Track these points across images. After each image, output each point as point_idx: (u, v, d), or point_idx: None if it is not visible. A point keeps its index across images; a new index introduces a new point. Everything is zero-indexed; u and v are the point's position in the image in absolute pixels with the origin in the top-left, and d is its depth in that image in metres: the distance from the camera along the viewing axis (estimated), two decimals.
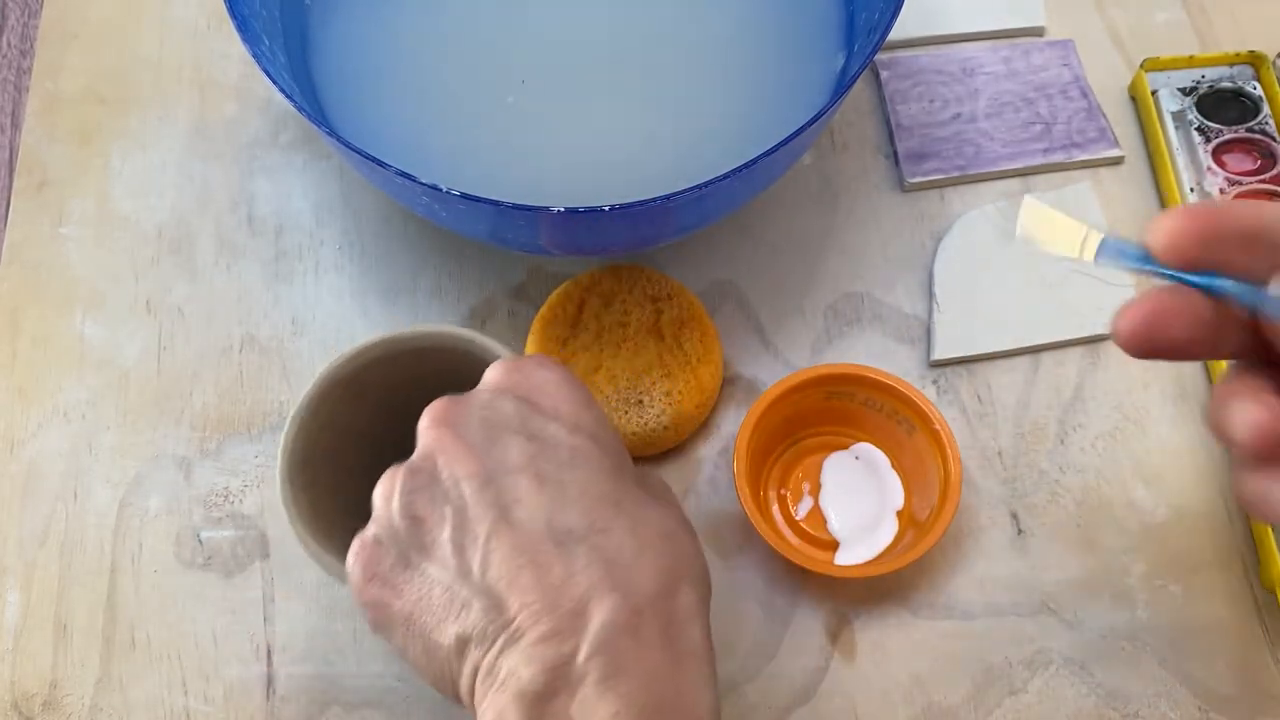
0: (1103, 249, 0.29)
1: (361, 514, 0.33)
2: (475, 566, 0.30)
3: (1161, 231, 0.26)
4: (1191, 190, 0.50)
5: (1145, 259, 0.28)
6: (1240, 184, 0.50)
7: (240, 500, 0.46)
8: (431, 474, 0.31)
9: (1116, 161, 0.53)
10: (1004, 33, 0.56)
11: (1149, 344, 0.27)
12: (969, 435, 0.47)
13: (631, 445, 0.45)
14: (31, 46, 0.56)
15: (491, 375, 0.34)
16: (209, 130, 0.54)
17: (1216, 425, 0.27)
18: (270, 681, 0.43)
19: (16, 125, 0.54)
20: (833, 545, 0.44)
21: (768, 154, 0.39)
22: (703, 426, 0.47)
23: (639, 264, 0.49)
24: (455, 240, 0.51)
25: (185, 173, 0.53)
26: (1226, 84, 0.52)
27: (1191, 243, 0.26)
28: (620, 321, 0.47)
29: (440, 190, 0.38)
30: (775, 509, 0.45)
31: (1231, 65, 0.53)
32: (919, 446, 0.44)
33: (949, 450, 0.43)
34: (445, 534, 0.30)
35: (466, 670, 0.30)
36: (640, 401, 0.45)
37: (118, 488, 0.46)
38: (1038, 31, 0.56)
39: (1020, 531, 0.45)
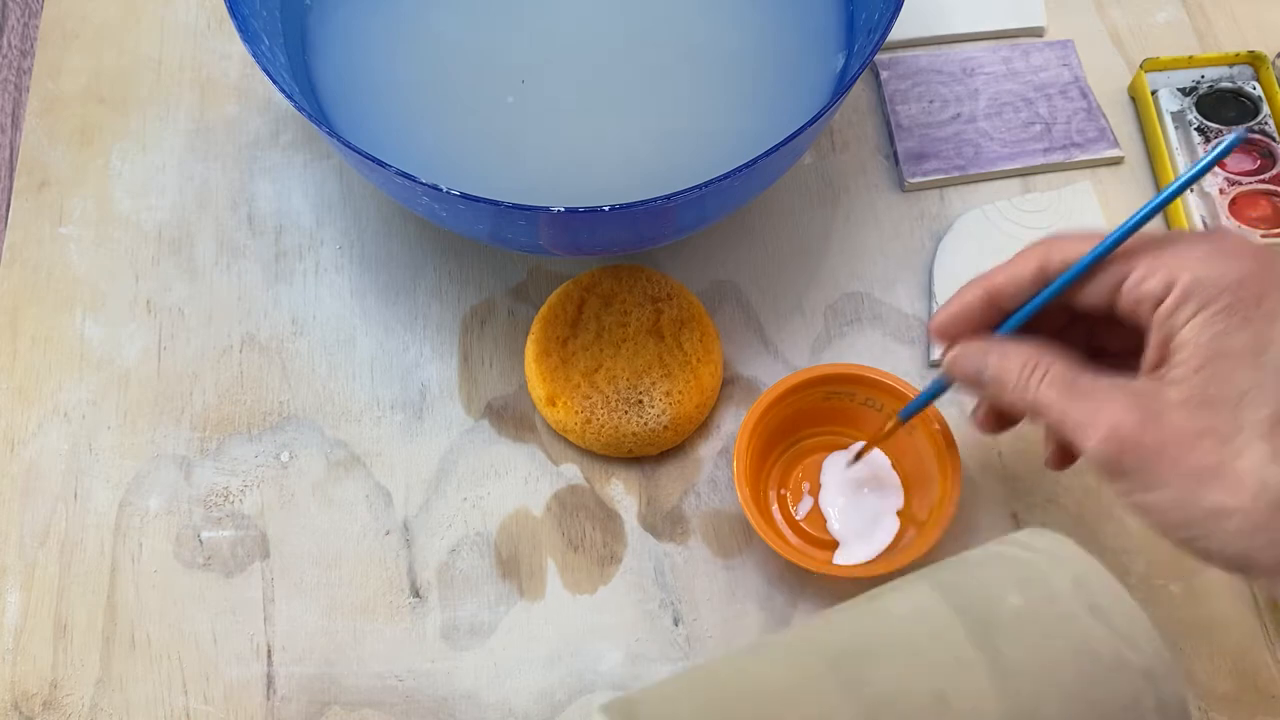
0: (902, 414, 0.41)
1: None
2: None
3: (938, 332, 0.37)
4: (1191, 190, 0.50)
5: (928, 392, 0.40)
6: (1240, 184, 0.50)
7: (240, 500, 0.46)
8: None
9: (1116, 161, 0.53)
10: (1004, 33, 0.56)
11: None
12: (969, 435, 0.47)
13: (631, 445, 0.45)
14: (32, 46, 0.56)
15: None
16: (209, 130, 0.54)
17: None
18: (270, 681, 0.43)
19: (17, 125, 0.54)
20: (833, 545, 0.44)
21: (768, 154, 0.39)
22: (703, 426, 0.47)
23: (639, 264, 0.49)
24: (455, 240, 0.51)
25: (185, 173, 0.53)
26: (1226, 84, 0.52)
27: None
28: (620, 321, 0.47)
29: (440, 190, 0.38)
30: (775, 509, 0.45)
31: (1231, 65, 0.53)
32: (919, 446, 0.44)
33: (949, 450, 0.43)
34: None
35: None
36: (640, 401, 0.45)
37: (118, 488, 0.46)
38: (1038, 32, 0.56)
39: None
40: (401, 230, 0.51)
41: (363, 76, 0.49)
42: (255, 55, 0.41)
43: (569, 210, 0.38)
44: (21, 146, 0.53)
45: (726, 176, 0.38)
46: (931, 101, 0.54)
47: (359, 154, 0.39)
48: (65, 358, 0.49)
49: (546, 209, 0.38)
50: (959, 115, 0.53)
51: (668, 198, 0.38)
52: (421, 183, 0.38)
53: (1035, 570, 0.31)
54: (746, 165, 0.38)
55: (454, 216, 0.42)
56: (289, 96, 0.40)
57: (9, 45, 0.56)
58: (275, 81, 0.40)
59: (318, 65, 0.49)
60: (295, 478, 0.46)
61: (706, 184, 0.38)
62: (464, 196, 0.38)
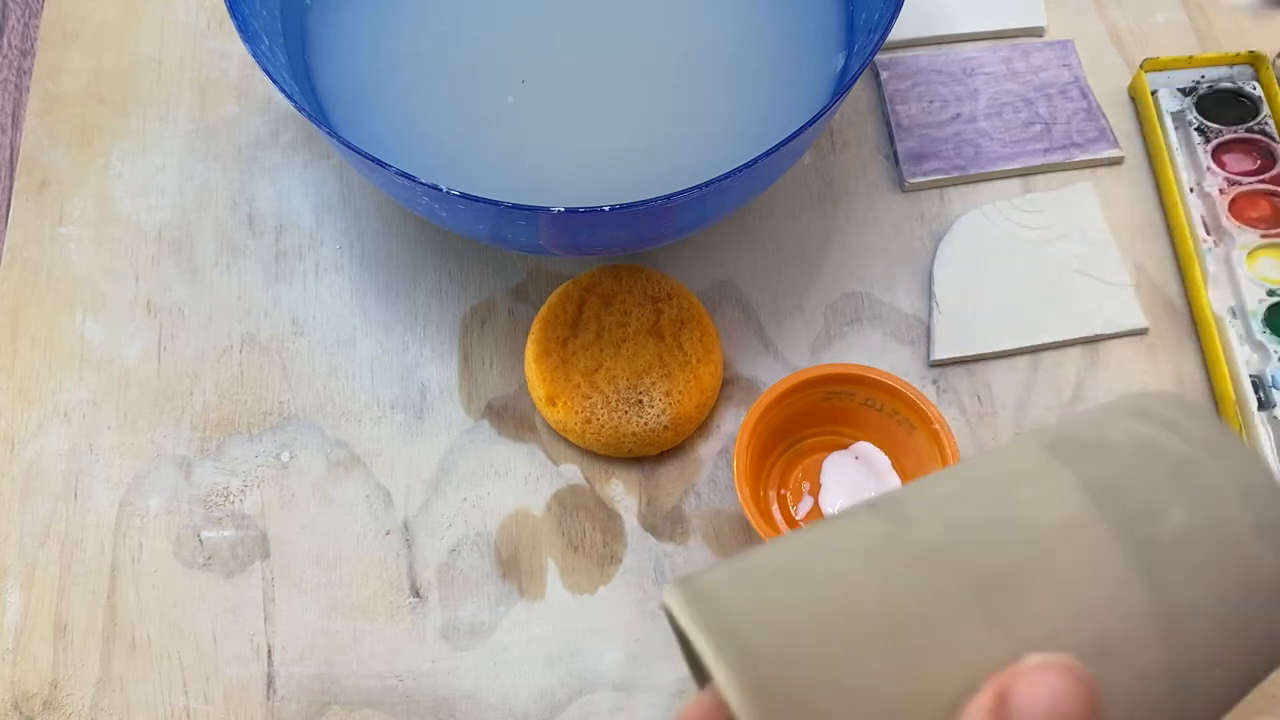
0: None
1: None
2: None
3: None
4: (1191, 190, 0.50)
5: None
6: (1240, 184, 0.50)
7: (240, 500, 0.46)
8: None
9: (1116, 161, 0.53)
10: (1004, 33, 0.56)
11: None
12: (969, 435, 0.47)
13: (631, 445, 0.45)
14: (32, 46, 0.56)
15: None
16: (209, 130, 0.54)
17: None
18: (270, 681, 0.43)
19: (17, 125, 0.54)
20: None
21: (768, 154, 0.39)
22: (703, 426, 0.47)
23: (639, 264, 0.49)
24: (455, 240, 0.51)
25: (185, 173, 0.53)
26: (1226, 84, 0.52)
27: None
28: (620, 321, 0.47)
29: (440, 190, 0.38)
30: (775, 509, 0.45)
31: (1231, 65, 0.53)
32: (919, 446, 0.44)
33: (949, 450, 0.43)
34: None
35: None
36: (640, 401, 0.45)
37: (118, 488, 0.46)
38: (1038, 32, 0.56)
39: None
40: (401, 230, 0.51)
41: (363, 76, 0.49)
42: (255, 55, 0.41)
43: (569, 210, 0.38)
44: (22, 146, 0.53)
45: (726, 176, 0.38)
46: (931, 101, 0.54)
47: (359, 154, 0.39)
48: (65, 358, 0.49)
49: (546, 209, 0.38)
50: (959, 115, 0.53)
51: (668, 198, 0.38)
52: (421, 183, 0.38)
53: (1198, 474, 0.26)
54: (746, 165, 0.38)
55: (454, 216, 0.42)
56: (289, 96, 0.40)
57: (9, 45, 0.56)
58: (275, 81, 0.40)
59: (318, 65, 0.49)
60: (295, 478, 0.46)
61: (706, 184, 0.38)
62: (464, 196, 0.38)
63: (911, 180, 0.52)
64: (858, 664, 0.24)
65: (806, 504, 0.45)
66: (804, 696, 0.23)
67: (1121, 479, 0.26)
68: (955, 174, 0.52)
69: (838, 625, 0.24)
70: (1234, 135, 0.51)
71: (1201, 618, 0.24)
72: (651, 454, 0.46)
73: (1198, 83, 0.53)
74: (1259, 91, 0.52)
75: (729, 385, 0.48)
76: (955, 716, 0.23)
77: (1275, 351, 0.46)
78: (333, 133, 0.39)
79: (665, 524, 0.46)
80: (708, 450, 0.47)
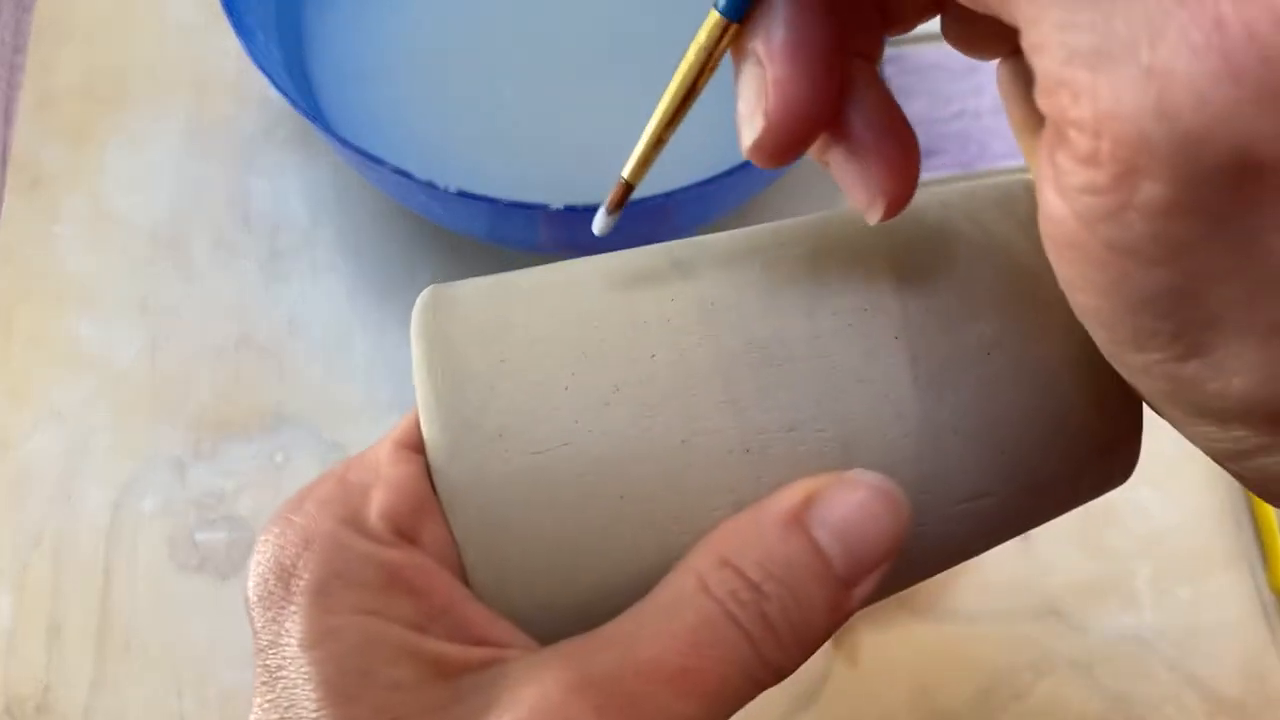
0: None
1: None
2: None
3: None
4: None
5: None
6: None
7: (235, 502, 0.45)
8: None
9: None
10: None
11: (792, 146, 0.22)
12: None
13: None
14: (25, 42, 0.56)
15: None
16: (205, 128, 0.53)
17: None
18: None
19: (9, 122, 0.54)
20: None
21: None
22: None
23: None
24: (453, 239, 0.50)
25: (180, 171, 0.52)
26: None
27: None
28: None
29: (437, 188, 0.37)
30: None
31: None
32: None
33: None
34: None
35: None
36: None
37: (111, 489, 0.46)
38: None
39: (1024, 535, 0.45)
40: (399, 228, 0.51)
41: (359, 73, 0.48)
42: (250, 51, 0.40)
43: (568, 208, 0.38)
44: (14, 143, 0.53)
45: (726, 176, 0.38)
46: (936, 98, 0.53)
47: (355, 151, 0.38)
48: (59, 357, 0.48)
49: (545, 207, 0.38)
50: (963, 112, 0.53)
51: (667, 197, 0.38)
52: (418, 180, 0.38)
53: (1032, 285, 0.24)
54: (746, 164, 0.38)
55: (451, 214, 0.42)
56: (284, 93, 0.39)
57: (1, 41, 0.56)
58: (270, 78, 0.39)
59: (314, 62, 0.49)
60: (290, 480, 0.46)
61: (706, 183, 0.38)
62: (461, 194, 0.37)
63: None
64: (574, 387, 0.22)
65: None
66: (498, 423, 0.22)
67: (943, 279, 0.23)
68: (960, 170, 0.52)
69: (569, 364, 0.23)
70: None
71: (970, 439, 0.22)
72: None
73: None
74: None
75: None
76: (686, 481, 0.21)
77: None
78: (329, 129, 0.38)
79: None
80: None
